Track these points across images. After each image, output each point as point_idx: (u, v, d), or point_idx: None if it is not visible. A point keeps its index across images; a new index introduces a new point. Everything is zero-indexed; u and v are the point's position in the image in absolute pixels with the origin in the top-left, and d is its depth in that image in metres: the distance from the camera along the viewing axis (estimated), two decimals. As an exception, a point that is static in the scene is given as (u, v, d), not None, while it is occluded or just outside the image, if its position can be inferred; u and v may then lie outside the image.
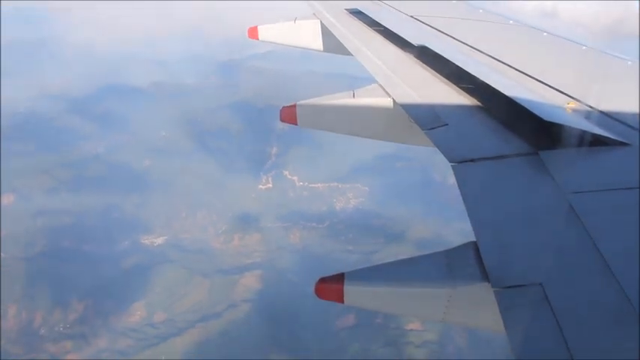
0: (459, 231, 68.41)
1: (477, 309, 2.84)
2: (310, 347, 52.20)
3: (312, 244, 68.25)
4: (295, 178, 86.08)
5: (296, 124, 5.08)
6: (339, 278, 3.12)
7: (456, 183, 3.25)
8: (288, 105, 4.97)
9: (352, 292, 3.10)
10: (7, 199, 70.43)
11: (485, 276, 2.56)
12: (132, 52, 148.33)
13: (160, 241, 69.78)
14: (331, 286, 3.15)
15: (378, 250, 64.97)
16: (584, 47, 5.24)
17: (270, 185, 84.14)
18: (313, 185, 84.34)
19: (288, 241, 69.85)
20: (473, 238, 2.94)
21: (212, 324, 55.22)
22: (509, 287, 2.42)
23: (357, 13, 6.37)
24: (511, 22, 6.26)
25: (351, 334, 53.60)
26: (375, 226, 70.82)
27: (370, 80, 5.00)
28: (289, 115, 5.02)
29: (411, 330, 54.50)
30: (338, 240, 69.00)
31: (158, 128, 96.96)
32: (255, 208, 76.95)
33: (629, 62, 4.77)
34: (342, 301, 3.16)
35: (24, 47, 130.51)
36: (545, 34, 5.78)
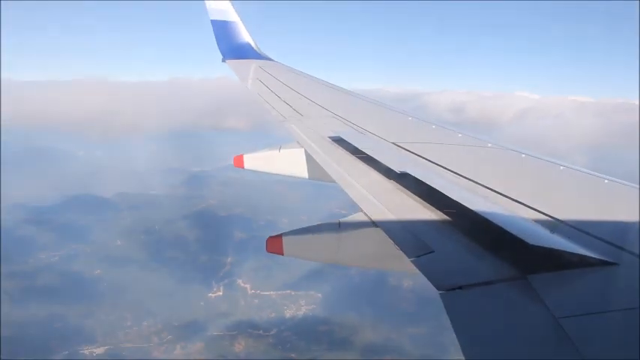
0: (409, 335, 67.70)
1: None
2: None
3: (255, 352, 66.84)
4: (248, 286, 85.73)
5: (282, 255, 5.03)
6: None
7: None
8: (273, 236, 4.98)
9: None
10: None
11: None
12: (106, 163, 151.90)
13: (100, 351, 67.99)
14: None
15: (320, 356, 63.85)
16: (562, 167, 5.40)
17: (221, 293, 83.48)
18: (265, 293, 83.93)
19: (231, 350, 68.27)
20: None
21: None
22: None
23: (340, 141, 6.47)
24: (489, 144, 6.42)
25: None
26: (321, 333, 69.87)
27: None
28: (275, 245, 4.96)
29: None
30: (282, 348, 67.75)
31: (114, 238, 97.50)
32: (203, 317, 75.90)
33: (606, 180, 4.95)
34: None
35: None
36: (523, 155, 5.93)
